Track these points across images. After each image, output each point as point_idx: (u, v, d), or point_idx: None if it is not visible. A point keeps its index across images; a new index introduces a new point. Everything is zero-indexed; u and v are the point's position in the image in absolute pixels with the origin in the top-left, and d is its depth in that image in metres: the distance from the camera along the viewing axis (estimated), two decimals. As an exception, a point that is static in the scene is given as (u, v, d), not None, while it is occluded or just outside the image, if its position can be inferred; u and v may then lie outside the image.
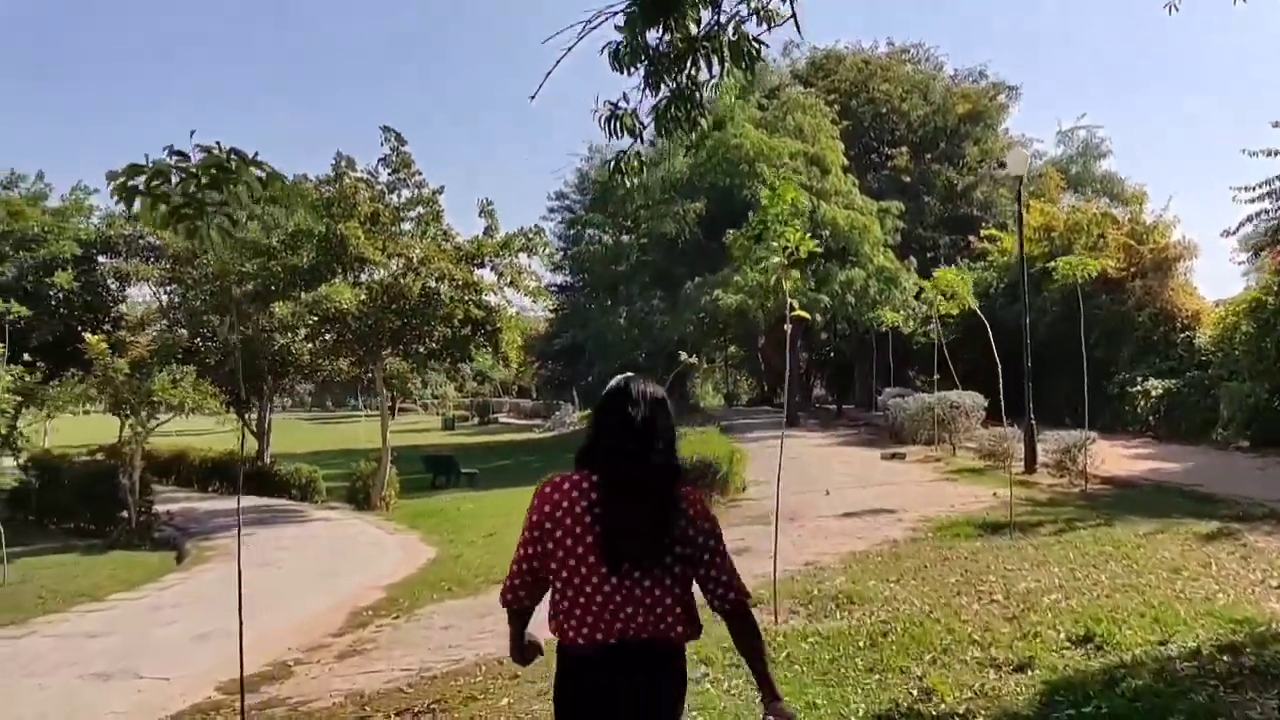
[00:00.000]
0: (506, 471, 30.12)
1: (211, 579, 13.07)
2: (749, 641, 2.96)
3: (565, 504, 2.77)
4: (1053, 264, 16.20)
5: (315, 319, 19.44)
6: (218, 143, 5.03)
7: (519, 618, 3.06)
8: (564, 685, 2.86)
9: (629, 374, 3.06)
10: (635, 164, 5.84)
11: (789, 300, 7.45)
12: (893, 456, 21.69)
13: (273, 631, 9.92)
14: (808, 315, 8.31)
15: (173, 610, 10.87)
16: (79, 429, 27.98)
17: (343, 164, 20.08)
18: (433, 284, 20.09)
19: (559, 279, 47.64)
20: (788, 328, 7.60)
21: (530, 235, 21.48)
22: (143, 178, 4.98)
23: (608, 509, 2.73)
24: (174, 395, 17.10)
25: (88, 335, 17.90)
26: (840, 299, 30.81)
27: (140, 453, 17.53)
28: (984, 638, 6.86)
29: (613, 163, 5.78)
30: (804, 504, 14.67)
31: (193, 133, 5.08)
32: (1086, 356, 15.56)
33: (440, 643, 8.95)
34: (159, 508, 20.35)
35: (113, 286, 25.55)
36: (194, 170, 4.97)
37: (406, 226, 21.39)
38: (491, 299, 20.91)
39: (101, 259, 25.17)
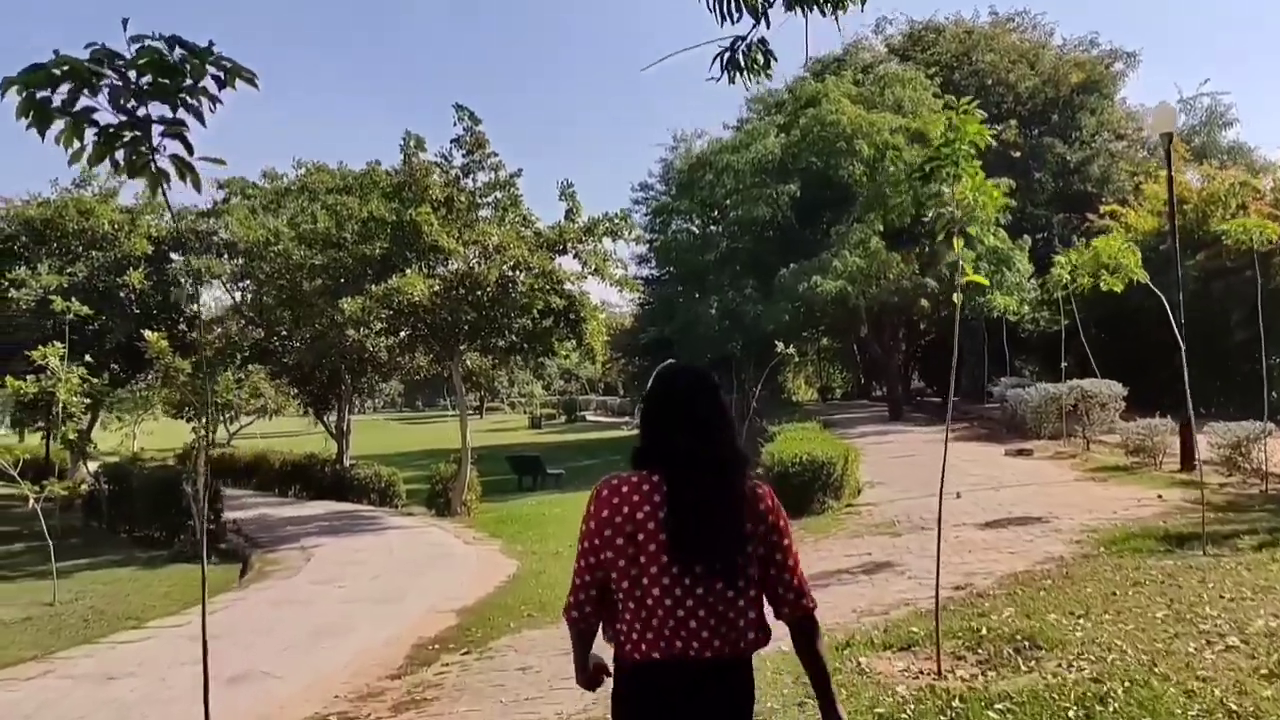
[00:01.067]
0: (593, 471, 28.73)
1: (266, 600, 11.78)
2: (816, 660, 2.66)
3: (626, 508, 2.52)
4: (1223, 228, 14.00)
5: (388, 313, 18.04)
6: (158, 33, 3.49)
7: (583, 637, 2.74)
8: (624, 703, 2.59)
9: (673, 362, 2.91)
10: (759, 56, 4.16)
11: (961, 264, 5.67)
12: (1019, 453, 19.54)
13: (322, 671, 8.53)
14: (985, 280, 6.48)
15: (212, 642, 9.46)
16: (169, 433, 27.41)
17: (411, 144, 18.62)
18: (509, 272, 18.59)
19: (645, 272, 46.21)
20: (957, 298, 5.80)
21: (616, 220, 19.92)
22: (61, 89, 3.46)
23: (676, 508, 2.48)
24: (238, 396, 16.01)
25: (147, 333, 16.90)
26: (948, 282, 28.45)
27: (205, 457, 16.50)
28: (1243, 706, 4.99)
29: (725, 53, 4.11)
30: (934, 509, 12.77)
31: (125, 21, 3.55)
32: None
33: (515, 691, 7.41)
34: (231, 514, 19.41)
35: (185, 284, 24.82)
36: (125, 71, 3.42)
37: (484, 213, 19.99)
38: (572, 288, 19.36)
39: (174, 256, 24.46)
